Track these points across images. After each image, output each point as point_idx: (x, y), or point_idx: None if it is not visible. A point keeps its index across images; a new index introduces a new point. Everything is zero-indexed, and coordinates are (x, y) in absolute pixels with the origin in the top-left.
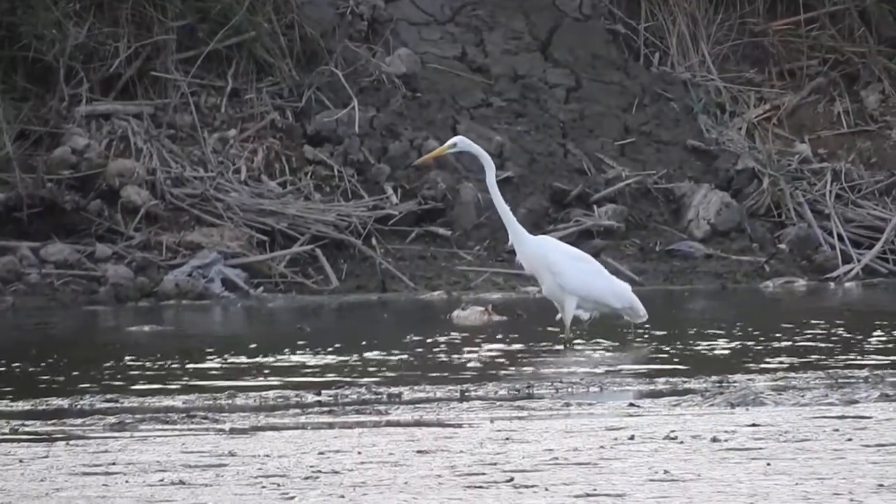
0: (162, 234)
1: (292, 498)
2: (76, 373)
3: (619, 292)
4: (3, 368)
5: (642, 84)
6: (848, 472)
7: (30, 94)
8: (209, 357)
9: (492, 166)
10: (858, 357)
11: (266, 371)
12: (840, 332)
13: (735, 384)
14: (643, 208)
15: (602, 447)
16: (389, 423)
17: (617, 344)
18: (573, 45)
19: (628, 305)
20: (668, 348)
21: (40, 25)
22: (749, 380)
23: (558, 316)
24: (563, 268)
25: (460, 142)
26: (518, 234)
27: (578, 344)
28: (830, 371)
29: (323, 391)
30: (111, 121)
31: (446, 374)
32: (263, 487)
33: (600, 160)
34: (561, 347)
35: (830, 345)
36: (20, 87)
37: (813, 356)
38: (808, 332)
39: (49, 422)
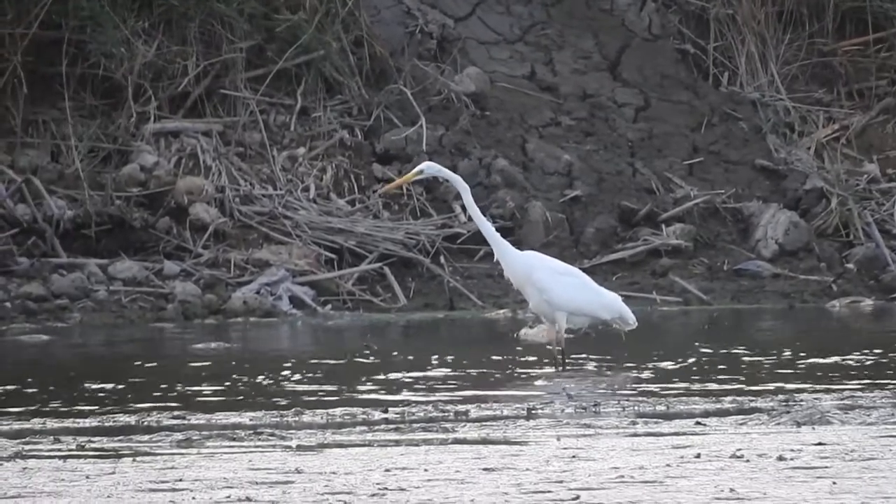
0: (230, 252)
1: None
2: (143, 390)
3: (607, 303)
4: (70, 385)
5: (711, 104)
6: None
7: (98, 112)
8: (276, 374)
9: (465, 188)
10: None
11: (333, 388)
12: None
13: (801, 403)
14: (711, 227)
15: (668, 465)
16: (456, 441)
17: (679, 361)
18: (642, 65)
19: (618, 315)
20: (735, 366)
21: (109, 44)
22: (815, 399)
23: (544, 335)
24: (549, 284)
25: (427, 168)
26: (503, 251)
27: (634, 361)
28: None
29: (390, 408)
30: (180, 138)
31: (513, 392)
32: None
33: (669, 179)
34: (551, 369)
35: None
36: (89, 105)
37: (879, 375)
38: (875, 351)
39: (116, 438)
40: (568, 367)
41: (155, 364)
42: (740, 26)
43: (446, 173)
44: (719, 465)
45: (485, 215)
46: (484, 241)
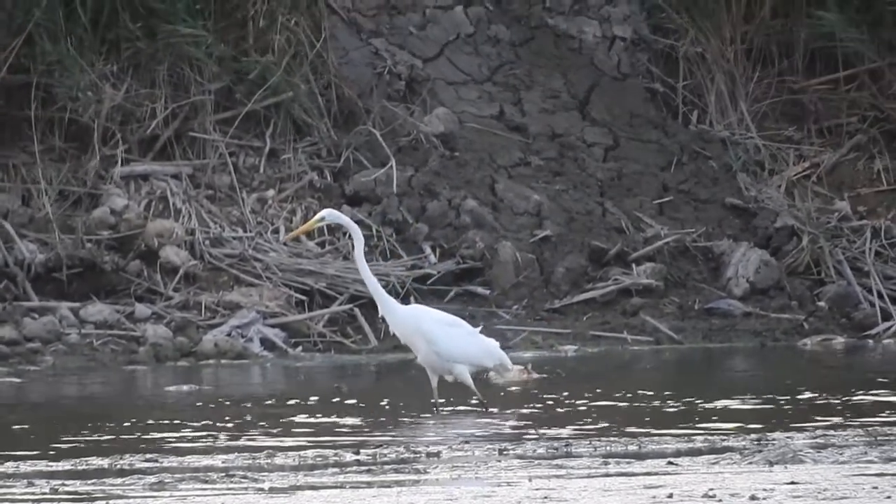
0: (201, 294)
1: None
2: (116, 432)
3: (491, 351)
4: (44, 428)
5: (681, 142)
6: None
7: (68, 156)
8: (248, 417)
9: (360, 238)
10: None
11: (305, 430)
12: (879, 389)
13: (774, 442)
14: (682, 266)
15: None
16: (428, 482)
17: (650, 400)
18: (611, 104)
19: (499, 363)
20: (707, 405)
21: (77, 87)
22: (788, 437)
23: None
24: (438, 336)
25: (328, 215)
26: (388, 306)
27: (605, 400)
28: (869, 429)
29: (361, 450)
30: (150, 181)
31: (485, 433)
32: None
33: (639, 219)
34: (429, 414)
35: (869, 402)
36: (59, 149)
37: (852, 414)
38: (847, 389)
39: (89, 481)
40: (538, 406)
41: (127, 407)
42: (709, 64)
43: (344, 220)
44: None
45: (454, 256)
46: (454, 281)
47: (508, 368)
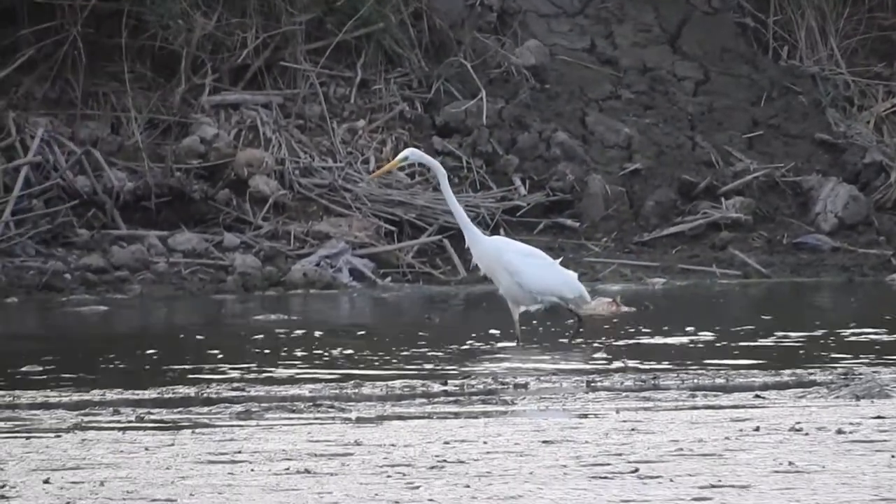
0: (290, 224)
1: (417, 488)
2: (203, 361)
3: (571, 283)
4: (130, 356)
5: (771, 77)
6: None
7: (158, 84)
8: (336, 347)
9: (444, 175)
10: None
11: (392, 361)
12: None
13: (860, 376)
14: (771, 201)
15: (727, 438)
16: (515, 413)
17: (738, 334)
18: (702, 39)
19: (579, 295)
20: (794, 339)
21: (167, 16)
22: (874, 372)
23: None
24: (518, 266)
25: (412, 154)
26: (474, 237)
27: (692, 334)
28: None
29: (449, 381)
30: (240, 111)
31: (573, 365)
32: (389, 477)
33: (728, 153)
34: (514, 344)
35: None
36: (148, 77)
37: None
38: None
39: (175, 410)
40: (626, 339)
41: (215, 336)
42: (800, 0)
43: (427, 159)
44: (778, 438)
45: (544, 188)
46: (543, 213)
47: (587, 301)
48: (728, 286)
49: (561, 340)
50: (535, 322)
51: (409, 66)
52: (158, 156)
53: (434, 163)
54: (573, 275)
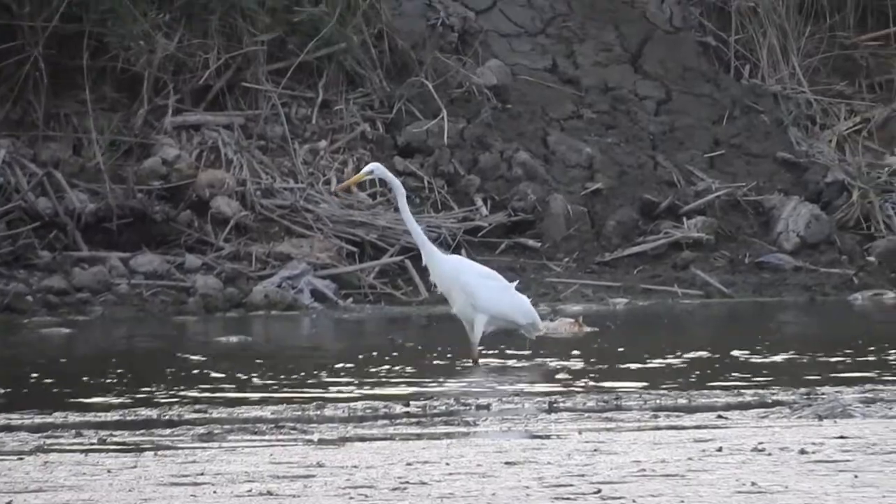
0: (251, 245)
1: None
2: (165, 383)
3: (525, 309)
4: (92, 378)
5: (732, 96)
6: None
7: (119, 106)
8: (298, 368)
9: (403, 193)
10: None
11: (354, 382)
12: None
13: (823, 396)
14: (733, 220)
15: (690, 459)
16: (477, 434)
17: (701, 354)
18: (664, 58)
19: (531, 322)
20: (757, 360)
21: (129, 37)
22: (837, 392)
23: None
24: (475, 287)
25: (376, 168)
26: (431, 254)
27: (655, 354)
28: None
29: (411, 402)
30: (202, 132)
31: (535, 387)
32: (351, 499)
33: (690, 172)
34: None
35: None
36: (110, 98)
37: None
38: None
39: (138, 432)
40: (588, 359)
41: (176, 358)
42: (762, 19)
43: (388, 176)
44: (741, 458)
45: (505, 208)
46: (505, 233)
47: (539, 329)
48: (690, 306)
49: (521, 363)
50: (502, 345)
51: (371, 87)
52: (120, 177)
53: (395, 181)
54: (527, 300)
